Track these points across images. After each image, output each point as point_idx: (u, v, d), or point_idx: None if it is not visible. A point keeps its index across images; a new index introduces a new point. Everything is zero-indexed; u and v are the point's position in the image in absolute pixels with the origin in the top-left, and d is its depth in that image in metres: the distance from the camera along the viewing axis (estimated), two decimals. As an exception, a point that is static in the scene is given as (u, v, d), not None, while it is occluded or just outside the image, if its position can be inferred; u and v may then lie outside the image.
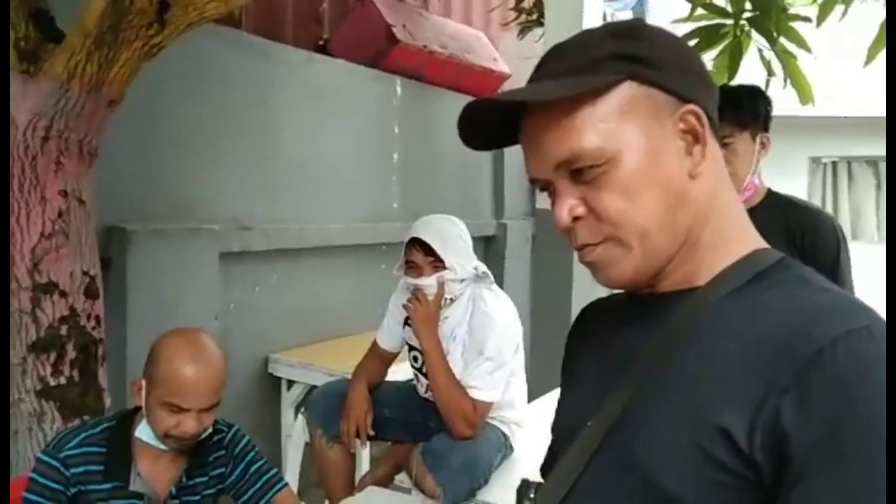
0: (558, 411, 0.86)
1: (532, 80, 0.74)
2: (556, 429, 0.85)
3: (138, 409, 1.50)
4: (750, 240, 0.73)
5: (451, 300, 2.08)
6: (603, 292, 0.89)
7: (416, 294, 2.06)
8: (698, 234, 0.70)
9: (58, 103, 1.74)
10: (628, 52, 0.68)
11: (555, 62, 0.72)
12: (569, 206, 0.70)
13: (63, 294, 1.79)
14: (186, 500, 1.52)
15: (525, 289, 4.53)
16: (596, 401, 0.73)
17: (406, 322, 2.25)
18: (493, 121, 0.75)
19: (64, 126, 1.76)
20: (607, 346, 0.79)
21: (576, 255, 0.75)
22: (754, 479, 0.60)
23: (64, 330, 1.79)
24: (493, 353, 2.03)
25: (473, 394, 1.99)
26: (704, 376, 0.65)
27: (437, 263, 2.03)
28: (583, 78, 0.68)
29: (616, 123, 0.67)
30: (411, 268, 2.08)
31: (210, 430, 1.51)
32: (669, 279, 0.72)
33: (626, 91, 0.68)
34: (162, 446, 1.46)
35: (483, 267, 2.14)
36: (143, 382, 1.45)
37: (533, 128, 0.72)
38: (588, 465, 0.72)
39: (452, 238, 2.08)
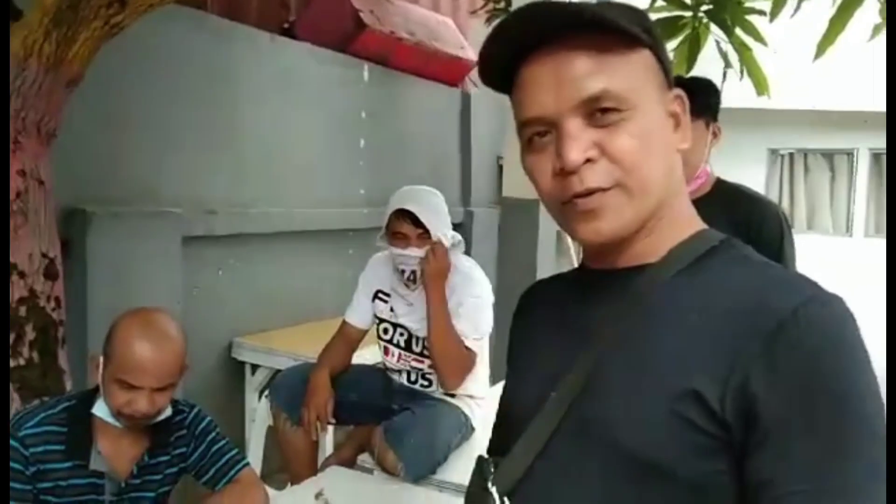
0: (510, 391, 0.88)
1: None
2: (508, 408, 0.87)
3: (97, 389, 1.51)
4: (696, 221, 0.78)
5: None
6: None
7: (434, 248, 2.09)
8: (665, 209, 0.75)
9: (14, 82, 1.72)
10: (651, 28, 0.75)
11: (598, 8, 0.71)
12: (584, 145, 0.69)
13: (22, 275, 1.77)
14: (148, 479, 1.53)
15: (491, 276, 4.57)
16: (554, 375, 0.75)
17: (375, 296, 2.28)
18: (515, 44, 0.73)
19: (21, 105, 1.74)
20: (561, 324, 0.81)
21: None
22: (726, 439, 0.64)
23: (23, 311, 1.77)
24: (475, 302, 2.14)
25: (464, 341, 2.09)
26: (671, 346, 0.69)
27: (424, 234, 2.08)
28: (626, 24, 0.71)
29: (642, 79, 0.73)
30: (398, 238, 2.12)
31: (169, 412, 1.52)
32: (625, 254, 0.75)
33: (649, 59, 0.74)
34: (118, 423, 1.47)
35: (458, 236, 2.21)
36: (101, 358, 1.46)
37: (559, 59, 0.70)
38: (553, 436, 0.74)
39: (437, 208, 2.14)
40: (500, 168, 4.82)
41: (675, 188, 0.76)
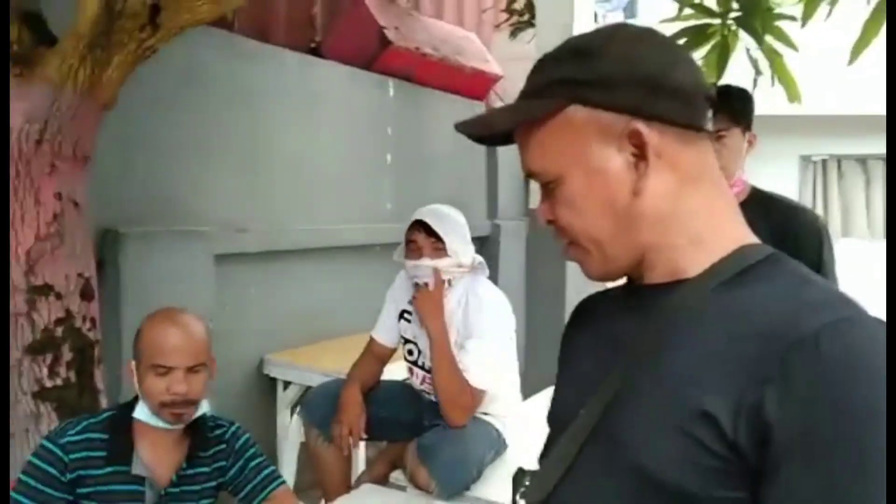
0: (554, 402, 0.88)
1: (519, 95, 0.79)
2: (552, 419, 0.87)
3: (137, 399, 1.53)
4: (737, 235, 0.74)
5: (449, 282, 2.11)
6: (595, 289, 0.91)
7: (420, 286, 2.08)
8: (663, 241, 0.73)
9: (51, 107, 1.75)
10: (574, 77, 0.71)
11: (529, 79, 0.77)
12: (542, 212, 0.77)
13: (58, 296, 1.80)
14: (187, 489, 1.54)
15: (520, 288, 4.55)
16: (589, 390, 0.75)
17: (401, 316, 2.27)
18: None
19: (57, 129, 1.78)
20: (601, 337, 0.81)
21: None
22: (738, 463, 0.62)
23: (60, 332, 1.80)
24: (488, 338, 2.06)
25: (469, 378, 2.02)
26: (691, 364, 0.66)
27: (439, 245, 2.07)
28: (531, 103, 0.74)
29: (561, 146, 0.72)
30: (412, 249, 2.11)
31: (206, 408, 1.55)
32: (656, 271, 0.74)
33: (571, 115, 0.71)
34: (161, 424, 1.49)
35: (480, 258, 2.18)
36: (133, 363, 1.51)
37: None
38: (580, 453, 0.74)
39: (454, 223, 2.12)
40: (527, 180, 4.81)
41: (660, 220, 0.72)
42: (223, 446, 1.61)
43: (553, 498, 0.75)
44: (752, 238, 0.74)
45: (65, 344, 1.81)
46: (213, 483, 1.58)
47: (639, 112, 0.70)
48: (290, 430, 2.93)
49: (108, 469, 1.47)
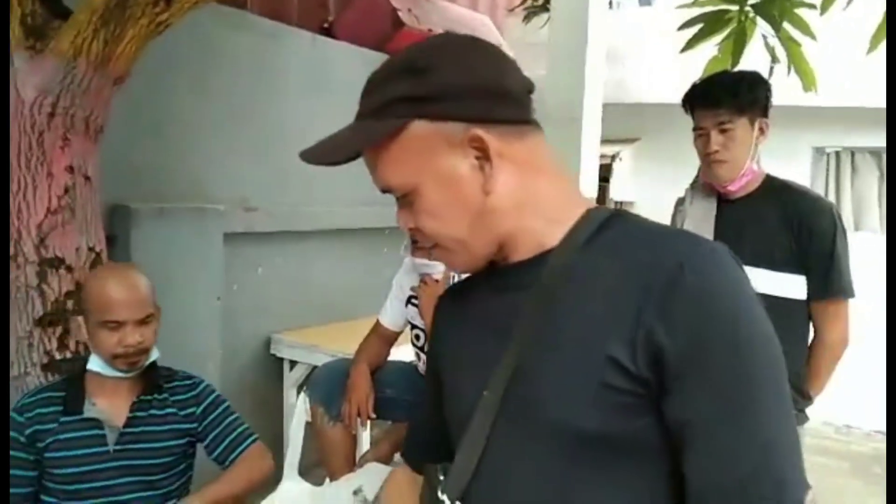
0: (448, 398, 0.89)
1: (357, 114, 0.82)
2: (451, 414, 0.88)
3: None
4: (582, 203, 0.81)
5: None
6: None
7: (425, 277, 2.08)
8: (522, 225, 0.78)
9: (64, 80, 1.75)
10: (412, 94, 0.75)
11: (364, 101, 0.80)
12: (402, 220, 0.82)
13: (69, 269, 1.81)
14: (148, 430, 1.60)
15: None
16: (483, 373, 0.78)
17: (409, 301, 2.26)
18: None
19: (70, 102, 1.78)
20: (476, 323, 0.84)
21: None
22: (647, 393, 0.69)
23: (70, 304, 1.81)
24: None
25: None
26: (582, 318, 0.72)
27: None
28: (373, 125, 0.77)
29: (410, 161, 0.76)
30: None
31: (156, 354, 1.61)
32: (520, 251, 0.80)
33: (415, 131, 0.75)
34: (115, 373, 1.55)
35: None
36: (81, 319, 1.56)
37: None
38: (493, 430, 0.77)
39: None
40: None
41: (516, 209, 0.78)
42: (193, 393, 1.69)
43: (476, 482, 0.78)
44: (593, 203, 0.82)
45: (75, 317, 1.82)
46: (182, 427, 1.64)
47: (476, 119, 0.75)
48: (297, 409, 2.94)
49: (63, 420, 1.54)
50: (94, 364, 1.57)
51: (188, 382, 1.71)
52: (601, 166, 4.09)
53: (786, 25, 2.42)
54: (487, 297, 0.84)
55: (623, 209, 0.82)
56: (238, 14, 2.96)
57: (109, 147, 2.01)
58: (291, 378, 3.11)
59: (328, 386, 2.24)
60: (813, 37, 2.43)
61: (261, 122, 2.99)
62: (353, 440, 2.31)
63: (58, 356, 1.81)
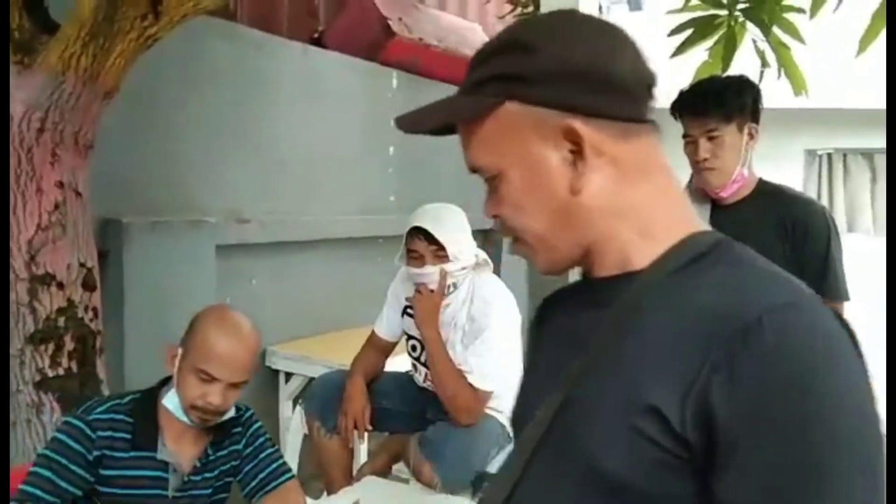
0: (515, 404, 0.85)
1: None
2: (514, 422, 0.84)
3: (164, 383, 1.52)
4: (687, 224, 0.72)
5: (455, 286, 2.09)
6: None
7: (420, 287, 2.06)
8: (609, 235, 0.71)
9: (52, 95, 1.74)
10: (509, 72, 0.69)
11: (469, 74, 0.75)
12: (487, 205, 0.76)
13: (60, 286, 1.79)
14: (206, 475, 1.53)
15: (522, 282, 4.53)
16: (546, 390, 0.73)
17: (405, 311, 2.25)
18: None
19: (59, 118, 1.76)
20: (561, 334, 0.80)
21: None
22: (688, 457, 0.60)
23: (62, 321, 1.79)
24: (492, 340, 2.03)
25: (473, 380, 2.00)
26: (640, 357, 0.65)
27: (440, 252, 2.03)
28: (466, 100, 0.73)
29: (499, 143, 0.70)
30: (413, 258, 2.08)
31: (233, 412, 1.53)
32: (605, 264, 0.73)
33: (507, 111, 0.69)
34: (185, 419, 1.47)
35: (483, 255, 2.15)
36: (180, 350, 1.48)
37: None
38: (535, 453, 0.72)
39: (453, 226, 2.08)
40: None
41: (603, 216, 0.70)
42: (239, 428, 1.59)
43: (510, 502, 0.73)
44: (701, 226, 0.73)
45: (67, 334, 1.81)
46: (228, 466, 1.57)
47: (575, 109, 0.67)
48: (293, 422, 2.92)
49: (133, 453, 1.45)
50: (171, 402, 1.47)
51: (234, 415, 1.57)
52: (594, 172, 4.08)
53: (775, 30, 2.43)
54: (574, 307, 0.79)
55: (729, 239, 0.71)
56: (228, 26, 2.95)
57: (100, 161, 2.00)
58: (287, 390, 3.08)
59: (324, 398, 2.23)
60: (802, 41, 2.44)
61: (252, 133, 2.98)
62: (351, 453, 2.30)
63: (50, 374, 1.79)
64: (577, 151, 0.68)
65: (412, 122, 0.76)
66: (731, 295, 0.62)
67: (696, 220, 0.73)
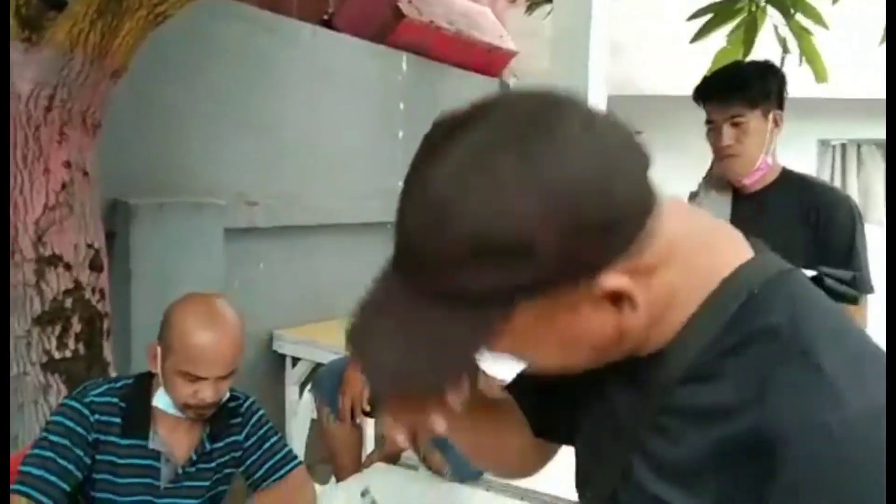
0: (575, 463, 0.77)
1: (395, 266, 0.60)
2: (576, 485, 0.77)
3: (155, 374, 1.47)
4: (727, 260, 0.59)
5: None
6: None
7: None
8: (650, 331, 0.60)
9: (61, 73, 1.71)
10: (509, 286, 0.53)
11: (420, 276, 0.56)
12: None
13: (67, 267, 1.77)
14: (203, 467, 1.49)
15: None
16: (592, 462, 0.70)
17: None
18: None
19: (67, 96, 1.73)
20: (605, 402, 0.69)
21: None
22: None
23: (69, 303, 1.77)
24: None
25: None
26: (668, 464, 0.59)
27: None
28: (459, 333, 0.55)
29: (524, 342, 0.58)
30: None
31: (227, 395, 1.49)
32: (649, 347, 0.62)
33: (522, 315, 0.55)
34: (180, 414, 1.44)
35: None
36: (159, 349, 1.42)
37: None
38: None
39: None
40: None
41: (648, 322, 0.58)
42: (238, 419, 1.54)
43: None
44: (743, 256, 0.60)
45: (74, 315, 1.78)
46: (227, 458, 1.53)
47: (598, 268, 0.54)
48: (300, 407, 2.91)
49: (126, 441, 1.42)
50: (161, 402, 1.43)
51: (232, 405, 1.53)
52: (605, 159, 4.04)
53: (797, 15, 2.38)
54: (616, 375, 0.66)
55: (761, 293, 0.58)
56: (237, 6, 2.90)
57: (108, 142, 1.97)
58: (294, 375, 3.07)
59: (333, 383, 2.20)
60: (825, 26, 2.39)
61: (261, 115, 2.95)
62: (360, 440, 2.28)
63: (57, 355, 1.77)
64: (621, 298, 0.56)
65: (391, 381, 0.62)
66: (763, 405, 0.54)
67: (740, 248, 0.62)
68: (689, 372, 0.58)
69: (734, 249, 0.61)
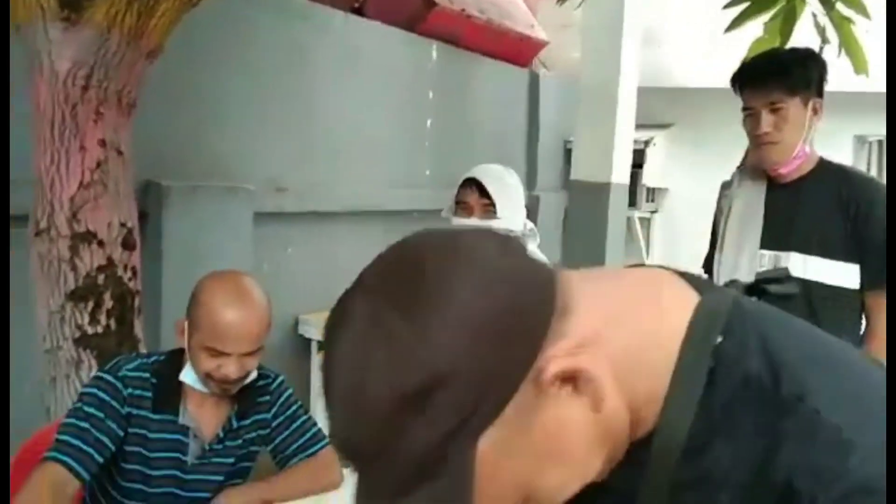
0: None
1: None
2: None
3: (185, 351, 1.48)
4: (674, 328, 0.55)
5: None
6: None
7: None
8: (630, 397, 0.56)
9: (98, 52, 1.73)
10: (452, 425, 0.49)
11: (376, 480, 0.52)
12: None
13: (101, 244, 1.80)
14: (229, 444, 1.51)
15: (557, 264, 4.48)
16: None
17: None
18: None
19: (104, 76, 1.76)
20: (606, 492, 0.64)
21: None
22: None
23: (101, 279, 1.80)
24: None
25: None
26: None
27: (489, 207, 2.00)
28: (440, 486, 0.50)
29: (518, 479, 0.53)
30: (462, 209, 2.05)
31: (255, 374, 1.49)
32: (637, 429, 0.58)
33: (490, 451, 0.51)
34: (205, 389, 1.45)
35: (531, 224, 2.11)
36: (186, 324, 1.43)
37: None
38: None
39: (508, 186, 2.04)
40: (568, 151, 4.70)
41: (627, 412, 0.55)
42: (266, 398, 1.55)
43: None
44: (685, 305, 0.56)
45: (106, 292, 1.81)
46: (254, 435, 1.54)
47: (527, 367, 0.51)
48: (324, 391, 2.93)
49: (157, 415, 1.44)
50: (188, 377, 1.44)
51: (261, 384, 1.53)
52: (634, 152, 4.00)
53: (838, 4, 2.32)
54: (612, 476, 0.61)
55: (736, 302, 0.56)
56: (270, -9, 2.92)
57: (142, 123, 1.99)
58: (319, 359, 3.09)
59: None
60: (867, 15, 2.33)
61: (292, 101, 2.96)
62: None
63: (89, 331, 1.80)
64: (575, 378, 0.52)
65: None
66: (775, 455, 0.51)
67: (672, 309, 0.56)
68: (689, 444, 0.55)
69: (676, 297, 0.57)
